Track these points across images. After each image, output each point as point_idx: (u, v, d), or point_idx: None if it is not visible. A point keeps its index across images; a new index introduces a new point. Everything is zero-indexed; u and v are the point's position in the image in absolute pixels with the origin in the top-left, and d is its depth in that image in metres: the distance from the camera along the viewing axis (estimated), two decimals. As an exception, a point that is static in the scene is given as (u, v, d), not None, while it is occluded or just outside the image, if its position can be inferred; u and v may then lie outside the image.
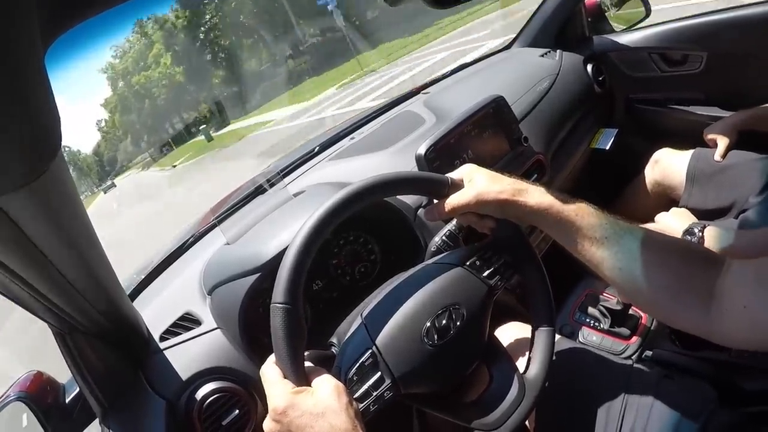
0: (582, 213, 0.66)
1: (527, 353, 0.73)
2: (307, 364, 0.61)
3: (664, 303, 0.62)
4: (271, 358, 0.60)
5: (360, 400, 0.60)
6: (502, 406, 0.67)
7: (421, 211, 0.74)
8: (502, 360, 0.71)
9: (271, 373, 0.59)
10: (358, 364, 0.62)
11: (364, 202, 0.64)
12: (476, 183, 0.69)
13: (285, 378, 0.58)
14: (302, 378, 0.58)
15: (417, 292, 0.66)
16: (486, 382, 0.70)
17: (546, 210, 0.67)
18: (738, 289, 0.54)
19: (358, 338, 0.65)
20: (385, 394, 0.61)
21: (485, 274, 0.70)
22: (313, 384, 0.58)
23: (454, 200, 0.70)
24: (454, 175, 0.72)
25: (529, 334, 0.75)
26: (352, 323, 0.68)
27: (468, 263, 0.71)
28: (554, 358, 0.73)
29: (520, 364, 0.72)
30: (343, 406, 0.55)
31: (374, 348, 0.62)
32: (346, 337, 0.66)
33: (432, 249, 0.80)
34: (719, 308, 0.56)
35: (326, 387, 0.56)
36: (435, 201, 0.74)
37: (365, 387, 0.61)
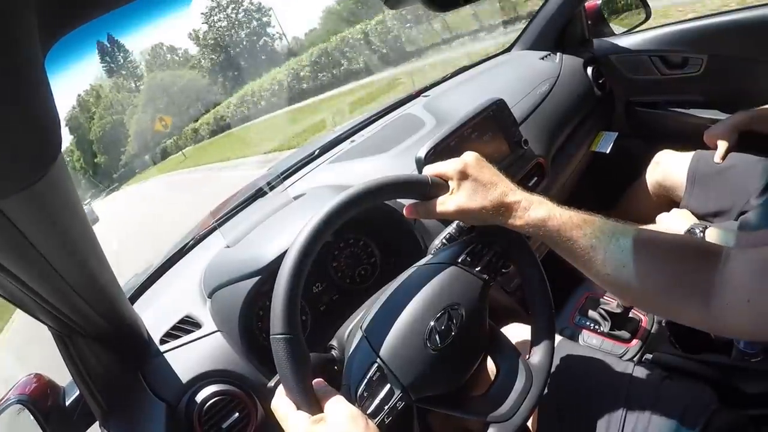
0: (566, 227, 0.64)
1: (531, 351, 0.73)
2: (314, 381, 0.60)
3: (659, 302, 0.62)
4: (280, 390, 0.59)
5: (373, 415, 0.59)
6: (512, 395, 0.67)
7: (405, 207, 0.74)
8: (506, 349, 0.71)
9: (283, 406, 0.58)
10: (366, 380, 0.61)
11: (345, 217, 0.63)
12: (460, 193, 0.68)
13: (298, 409, 0.57)
14: (315, 405, 0.57)
15: (414, 298, 0.66)
16: (492, 374, 0.71)
17: (529, 229, 0.66)
18: (741, 282, 0.54)
19: (362, 353, 0.64)
20: (397, 405, 0.61)
21: (478, 268, 0.70)
22: (325, 409, 0.57)
23: (435, 208, 0.69)
24: (444, 168, 0.70)
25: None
26: (354, 336, 0.67)
27: (460, 260, 0.70)
28: (555, 360, 0.73)
29: None
30: (360, 430, 0.55)
31: (379, 360, 0.62)
32: (349, 352, 0.66)
33: (432, 251, 0.80)
34: (721, 302, 0.55)
35: (341, 412, 0.56)
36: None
37: (377, 401, 0.60)
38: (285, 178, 1.25)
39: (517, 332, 0.90)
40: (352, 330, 0.69)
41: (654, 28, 1.66)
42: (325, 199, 0.74)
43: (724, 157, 1.31)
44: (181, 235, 1.26)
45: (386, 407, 0.60)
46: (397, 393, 0.61)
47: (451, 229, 0.80)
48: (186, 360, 0.82)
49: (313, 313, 1.00)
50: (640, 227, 0.65)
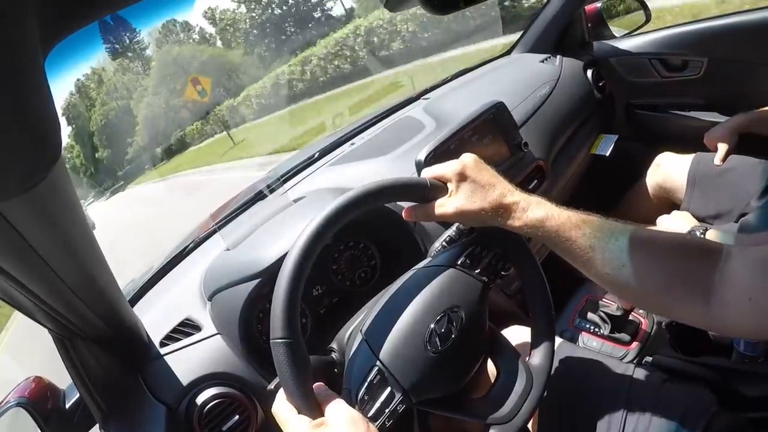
0: (565, 227, 0.64)
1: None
2: (315, 385, 0.60)
3: (659, 301, 0.62)
4: (281, 394, 0.59)
5: (374, 418, 0.59)
6: (512, 397, 0.67)
7: (404, 210, 0.74)
8: (506, 352, 0.71)
9: (284, 411, 0.58)
10: (366, 384, 0.61)
11: (345, 220, 0.63)
12: (459, 195, 0.68)
13: (299, 413, 0.57)
14: (316, 410, 0.57)
15: (414, 301, 0.66)
16: (493, 376, 0.71)
17: (528, 230, 0.66)
18: (742, 280, 0.53)
19: (362, 356, 0.64)
20: (398, 408, 0.61)
21: (478, 270, 0.70)
22: (326, 413, 0.57)
23: (434, 210, 0.69)
24: (442, 170, 0.70)
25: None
26: (354, 339, 0.67)
27: (459, 262, 0.70)
28: (555, 362, 0.73)
29: None
30: None
31: (379, 364, 0.62)
32: (350, 356, 0.66)
33: (432, 254, 0.80)
34: (721, 300, 0.54)
35: (341, 416, 0.56)
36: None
37: (378, 405, 0.60)
38: (285, 181, 1.25)
39: (517, 334, 0.90)
40: (353, 333, 0.69)
41: (654, 30, 1.66)
42: (324, 201, 0.74)
43: (724, 160, 1.31)
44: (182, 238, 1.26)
45: (387, 410, 0.60)
46: (398, 396, 0.61)
47: (450, 231, 0.80)
48: (186, 362, 0.82)
49: (313, 316, 1.00)
50: (641, 228, 0.65)
